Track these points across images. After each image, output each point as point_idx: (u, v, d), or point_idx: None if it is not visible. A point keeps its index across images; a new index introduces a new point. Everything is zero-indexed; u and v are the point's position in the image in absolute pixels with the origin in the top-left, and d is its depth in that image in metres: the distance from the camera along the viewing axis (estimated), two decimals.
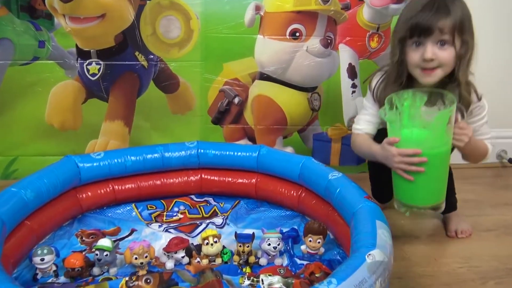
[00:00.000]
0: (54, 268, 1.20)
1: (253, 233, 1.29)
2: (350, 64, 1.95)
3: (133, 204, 1.60)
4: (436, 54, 1.26)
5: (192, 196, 1.68)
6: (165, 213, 1.57)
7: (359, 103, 1.99)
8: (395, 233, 1.46)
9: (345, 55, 1.94)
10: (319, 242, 1.28)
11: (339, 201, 1.32)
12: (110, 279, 1.18)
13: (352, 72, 1.96)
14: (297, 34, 1.86)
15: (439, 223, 1.59)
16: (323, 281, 0.88)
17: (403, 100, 1.23)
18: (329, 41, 1.89)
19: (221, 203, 1.63)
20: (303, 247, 1.31)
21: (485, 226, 1.57)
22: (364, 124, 1.47)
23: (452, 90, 1.28)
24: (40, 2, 1.76)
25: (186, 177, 1.67)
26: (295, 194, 1.55)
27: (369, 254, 0.96)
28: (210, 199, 1.67)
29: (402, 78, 1.34)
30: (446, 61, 1.27)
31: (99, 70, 1.83)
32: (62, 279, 1.19)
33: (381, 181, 1.52)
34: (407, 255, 1.38)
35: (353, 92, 1.99)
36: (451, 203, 1.54)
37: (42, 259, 1.16)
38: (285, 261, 1.29)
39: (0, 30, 1.76)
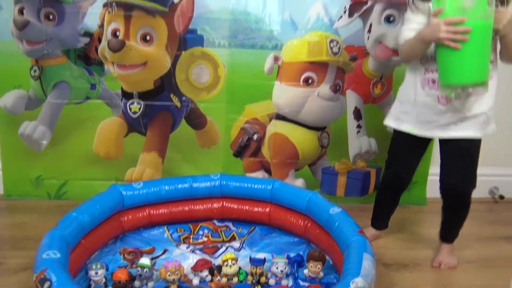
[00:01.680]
0: (104, 280, 1.49)
1: (265, 258, 1.56)
2: (355, 108, 2.21)
3: (165, 227, 1.89)
4: None
5: (215, 221, 1.95)
6: (191, 236, 1.85)
7: (363, 141, 2.25)
8: (387, 261, 1.73)
9: (351, 99, 2.20)
10: (319, 268, 1.54)
11: (337, 233, 1.58)
12: None
13: (357, 114, 2.22)
14: (310, 81, 2.13)
15: (426, 254, 1.82)
16: None
17: None
18: (337, 87, 2.16)
19: (239, 228, 1.91)
20: (305, 271, 1.57)
21: (467, 258, 1.80)
22: (408, 32, 1.55)
23: None
24: (94, 51, 2.09)
25: (210, 204, 1.94)
26: (302, 223, 1.81)
27: (353, 281, 1.22)
28: (230, 224, 1.95)
29: None
30: None
31: (139, 109, 2.15)
32: None
33: (383, 211, 1.78)
34: (394, 281, 1.63)
35: (358, 131, 2.24)
36: (451, 235, 1.77)
37: (96, 273, 1.45)
38: (290, 282, 1.56)
39: (60, 74, 2.10)
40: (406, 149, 1.74)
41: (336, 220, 1.61)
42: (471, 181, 1.67)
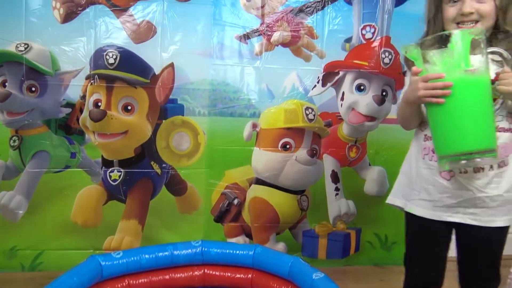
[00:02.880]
0: None
1: None
2: (333, 171, 2.28)
3: None
4: (475, 7, 1.20)
5: None
6: None
7: (342, 204, 2.29)
8: None
9: (328, 163, 2.28)
10: None
11: None
12: None
13: (335, 177, 2.29)
14: (288, 146, 2.20)
15: None
16: None
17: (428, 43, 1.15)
18: (314, 151, 2.23)
19: None
20: None
21: None
22: (402, 95, 1.34)
23: (500, 43, 1.20)
24: (75, 121, 2.12)
25: (191, 272, 1.90)
26: None
27: None
28: None
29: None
30: (487, 13, 1.20)
31: (119, 176, 2.15)
32: None
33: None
34: None
35: (337, 194, 2.29)
36: None
37: None
38: None
39: (40, 144, 2.11)
40: (426, 239, 1.33)
41: (319, 286, 1.61)
42: (494, 279, 1.33)
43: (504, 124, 1.23)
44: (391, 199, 1.41)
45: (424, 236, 1.33)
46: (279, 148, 2.19)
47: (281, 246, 2.24)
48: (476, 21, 1.21)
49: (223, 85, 2.17)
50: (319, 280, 1.64)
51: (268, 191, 2.22)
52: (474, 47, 1.10)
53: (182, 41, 2.14)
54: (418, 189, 1.31)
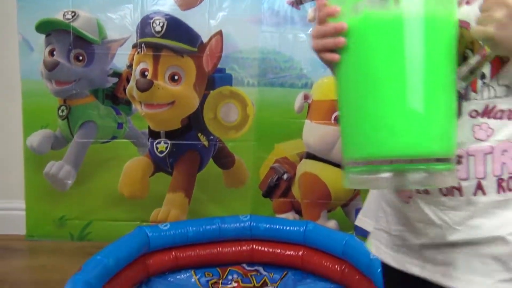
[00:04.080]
0: None
1: None
2: None
3: (192, 271, 1.79)
4: None
5: (244, 265, 1.85)
6: (220, 281, 1.74)
7: None
8: None
9: None
10: None
11: (380, 281, 1.45)
12: None
13: None
14: None
15: None
16: None
17: None
18: None
19: (271, 274, 1.80)
20: None
21: None
22: None
23: None
24: (122, 91, 2.08)
25: (239, 247, 1.84)
26: (338, 268, 1.69)
27: None
28: (260, 269, 1.84)
29: None
30: None
31: (166, 148, 2.10)
32: None
33: None
34: None
35: None
36: None
37: None
38: None
39: (88, 114, 2.09)
40: None
41: (378, 266, 1.49)
42: None
43: (505, 104, 0.64)
44: (360, 219, 1.00)
45: None
46: (332, 121, 2.07)
47: (332, 224, 2.13)
48: None
49: (273, 53, 2.05)
50: (377, 260, 1.52)
51: (319, 166, 2.10)
52: None
53: (231, 8, 2.03)
54: (381, 210, 0.82)
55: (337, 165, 2.11)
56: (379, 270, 1.45)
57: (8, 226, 2.15)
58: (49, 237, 2.14)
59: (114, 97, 2.09)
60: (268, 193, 2.15)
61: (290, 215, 2.14)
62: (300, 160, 2.12)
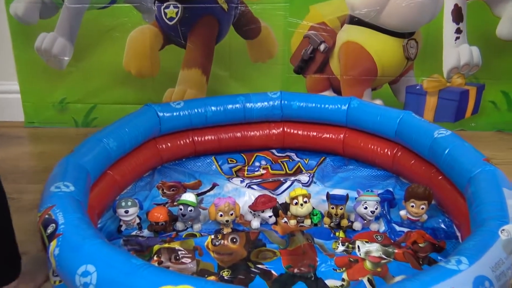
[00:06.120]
0: (137, 220, 1.15)
1: (347, 194, 1.17)
2: (456, 5, 1.72)
3: (213, 157, 1.53)
4: None
5: (273, 151, 1.59)
6: (246, 168, 1.48)
7: (463, 51, 1.75)
8: None
9: None
10: (422, 208, 1.14)
11: (448, 163, 1.15)
12: (194, 235, 1.12)
13: (458, 14, 1.73)
14: None
15: None
16: (450, 259, 0.74)
17: None
18: None
19: (306, 159, 1.52)
20: (402, 212, 1.18)
21: None
22: None
23: None
24: None
25: (267, 130, 1.57)
26: (389, 152, 1.40)
27: (503, 230, 0.80)
28: (293, 155, 1.57)
29: None
30: None
31: (177, 13, 1.73)
32: (145, 232, 1.14)
33: None
34: None
35: (457, 38, 1.75)
36: None
37: (126, 211, 1.11)
38: (382, 226, 1.16)
39: None
40: None
41: (445, 146, 1.18)
42: None
43: None
44: None
45: None
46: None
47: (378, 103, 1.80)
48: None
49: None
50: (444, 139, 1.21)
51: (365, 34, 1.74)
52: None
53: None
54: None
55: (388, 31, 1.73)
56: (447, 151, 1.15)
57: (6, 112, 1.90)
58: (50, 123, 1.91)
59: None
60: (301, 68, 1.82)
61: (327, 94, 1.82)
62: (342, 26, 1.76)
